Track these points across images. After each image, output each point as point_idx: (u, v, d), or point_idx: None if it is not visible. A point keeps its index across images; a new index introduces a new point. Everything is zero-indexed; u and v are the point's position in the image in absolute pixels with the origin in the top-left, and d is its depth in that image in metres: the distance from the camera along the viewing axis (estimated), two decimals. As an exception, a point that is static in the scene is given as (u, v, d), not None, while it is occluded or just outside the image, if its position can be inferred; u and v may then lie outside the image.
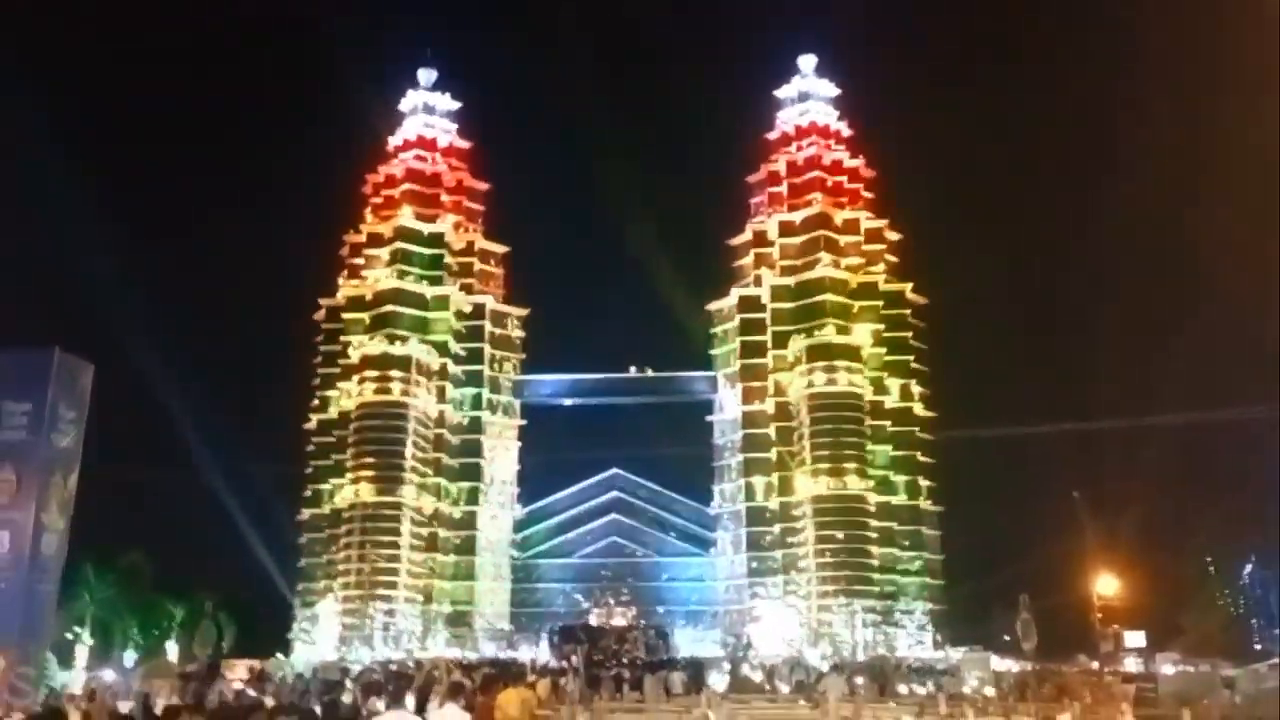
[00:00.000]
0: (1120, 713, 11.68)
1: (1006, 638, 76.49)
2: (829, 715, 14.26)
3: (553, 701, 18.52)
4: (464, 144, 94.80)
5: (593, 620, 79.70)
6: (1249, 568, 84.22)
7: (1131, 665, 64.64)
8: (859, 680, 46.29)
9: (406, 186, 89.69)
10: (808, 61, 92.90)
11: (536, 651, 73.97)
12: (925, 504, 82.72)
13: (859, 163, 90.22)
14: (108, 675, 57.58)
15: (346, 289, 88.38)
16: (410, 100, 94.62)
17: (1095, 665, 65.46)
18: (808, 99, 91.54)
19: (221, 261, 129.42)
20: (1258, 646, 70.90)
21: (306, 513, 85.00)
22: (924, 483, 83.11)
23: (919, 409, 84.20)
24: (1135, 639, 63.36)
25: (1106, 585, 62.13)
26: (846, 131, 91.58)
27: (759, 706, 18.21)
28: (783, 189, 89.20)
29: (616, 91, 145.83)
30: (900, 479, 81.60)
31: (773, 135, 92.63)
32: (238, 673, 49.04)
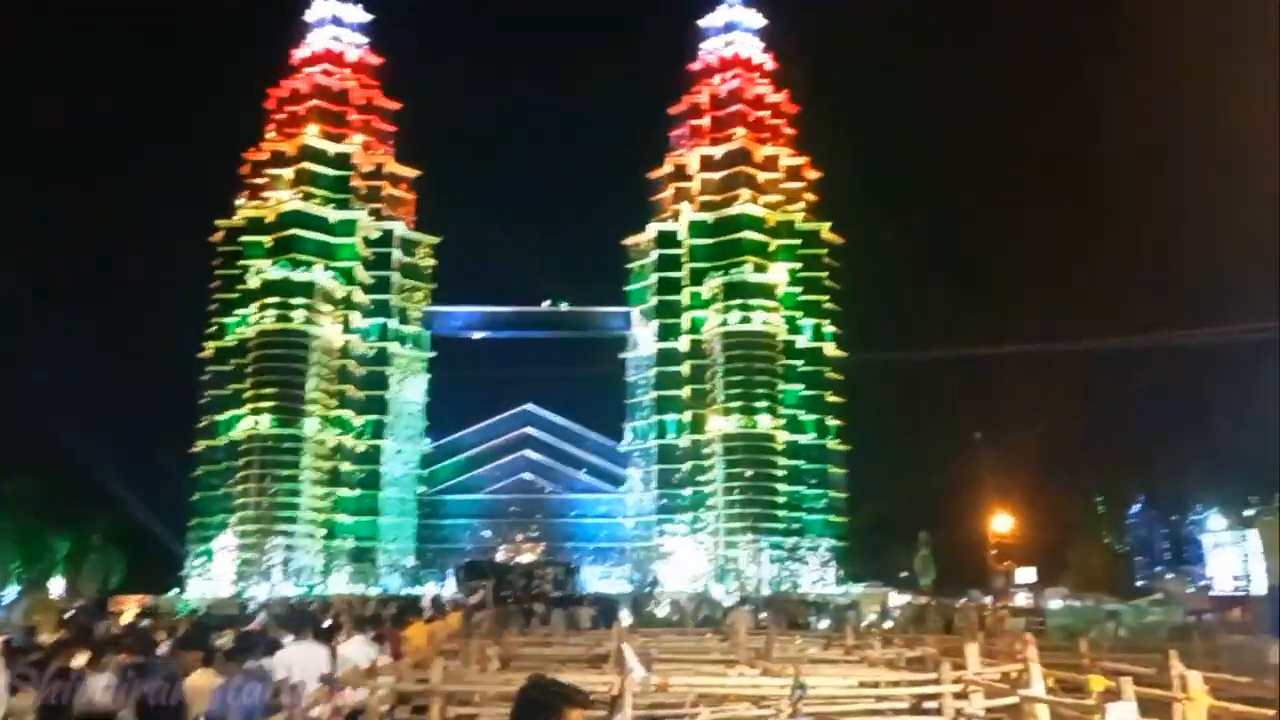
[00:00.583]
0: (1023, 643, 11.10)
1: (904, 574, 78.91)
2: (740, 647, 13.48)
3: (461, 635, 17.74)
4: (374, 60, 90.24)
5: (500, 556, 79.01)
6: (1137, 508, 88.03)
7: (1022, 600, 66.98)
8: (764, 615, 46.55)
9: (312, 103, 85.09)
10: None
11: (441, 588, 73.02)
12: (833, 443, 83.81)
13: (781, 97, 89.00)
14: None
15: (246, 210, 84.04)
16: (317, 10, 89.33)
17: (988, 600, 67.73)
18: (733, 29, 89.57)
19: (113, 177, 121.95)
20: (1140, 583, 74.31)
21: (201, 444, 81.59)
22: (832, 422, 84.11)
23: (830, 348, 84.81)
24: (1026, 575, 65.47)
25: (1002, 523, 64.14)
26: (770, 65, 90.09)
27: (669, 639, 17.63)
28: (704, 122, 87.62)
29: (537, 10, 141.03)
30: (809, 418, 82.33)
31: (696, 66, 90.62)
32: (128, 609, 46.85)
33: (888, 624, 49.13)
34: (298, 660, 9.47)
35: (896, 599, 71.18)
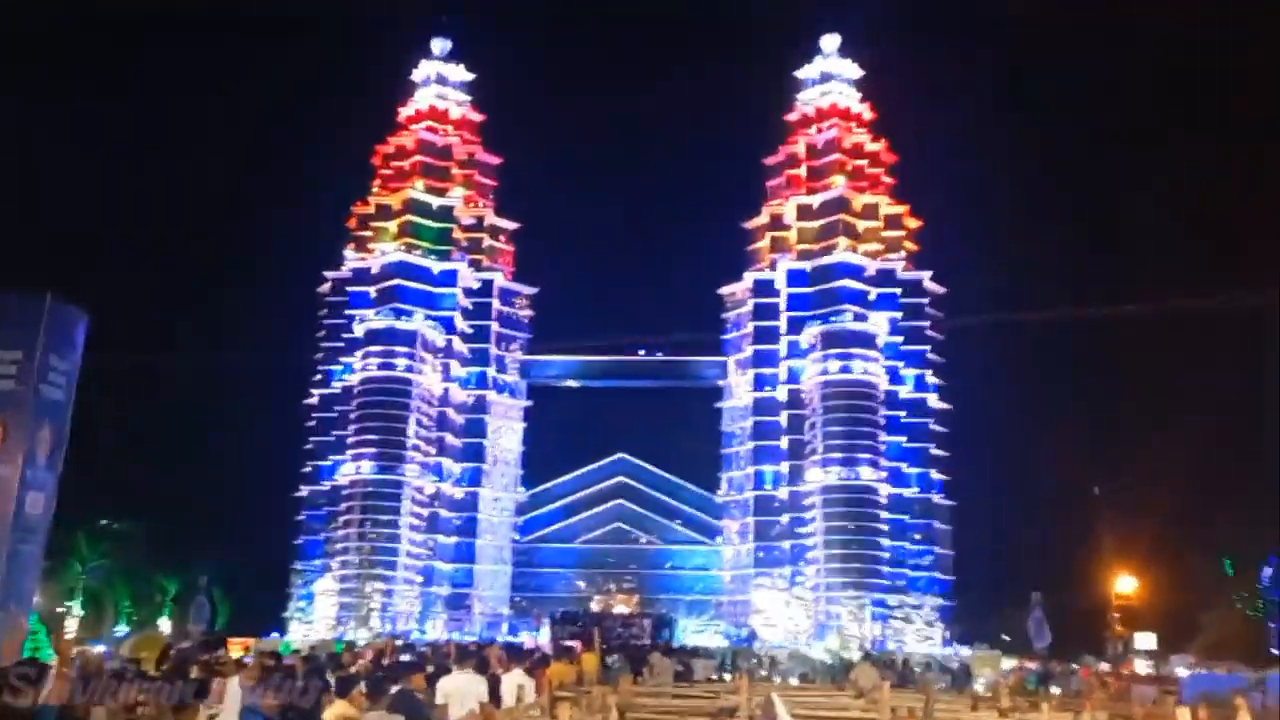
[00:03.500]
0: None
1: (1005, 636, 75.28)
2: (883, 705, 12.55)
3: (577, 682, 17.26)
4: (477, 117, 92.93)
5: (594, 606, 78.30)
6: (1269, 570, 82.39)
7: (1142, 667, 63.10)
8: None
9: (417, 158, 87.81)
10: (831, 41, 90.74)
11: (536, 636, 72.50)
12: (937, 497, 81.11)
13: (880, 146, 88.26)
14: (98, 649, 55.90)
15: (353, 261, 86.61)
16: (423, 70, 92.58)
17: (1104, 666, 63.91)
18: (829, 80, 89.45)
19: (225, 230, 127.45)
20: (1275, 651, 69.21)
21: (306, 489, 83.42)
22: (936, 475, 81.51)
23: (933, 400, 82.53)
24: (1145, 640, 61.70)
25: (1125, 584, 60.64)
26: (868, 114, 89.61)
27: (794, 693, 16.67)
28: (801, 171, 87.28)
29: (633, 67, 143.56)
30: (913, 471, 79.99)
31: (792, 116, 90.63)
32: (233, 650, 47.46)
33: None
34: (459, 687, 10.46)
35: (1008, 663, 67.94)
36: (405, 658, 19.15)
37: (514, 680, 12.86)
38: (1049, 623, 68.00)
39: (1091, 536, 63.96)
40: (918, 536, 79.06)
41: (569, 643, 43.66)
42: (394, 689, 9.04)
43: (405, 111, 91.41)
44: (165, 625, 71.77)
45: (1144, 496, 67.28)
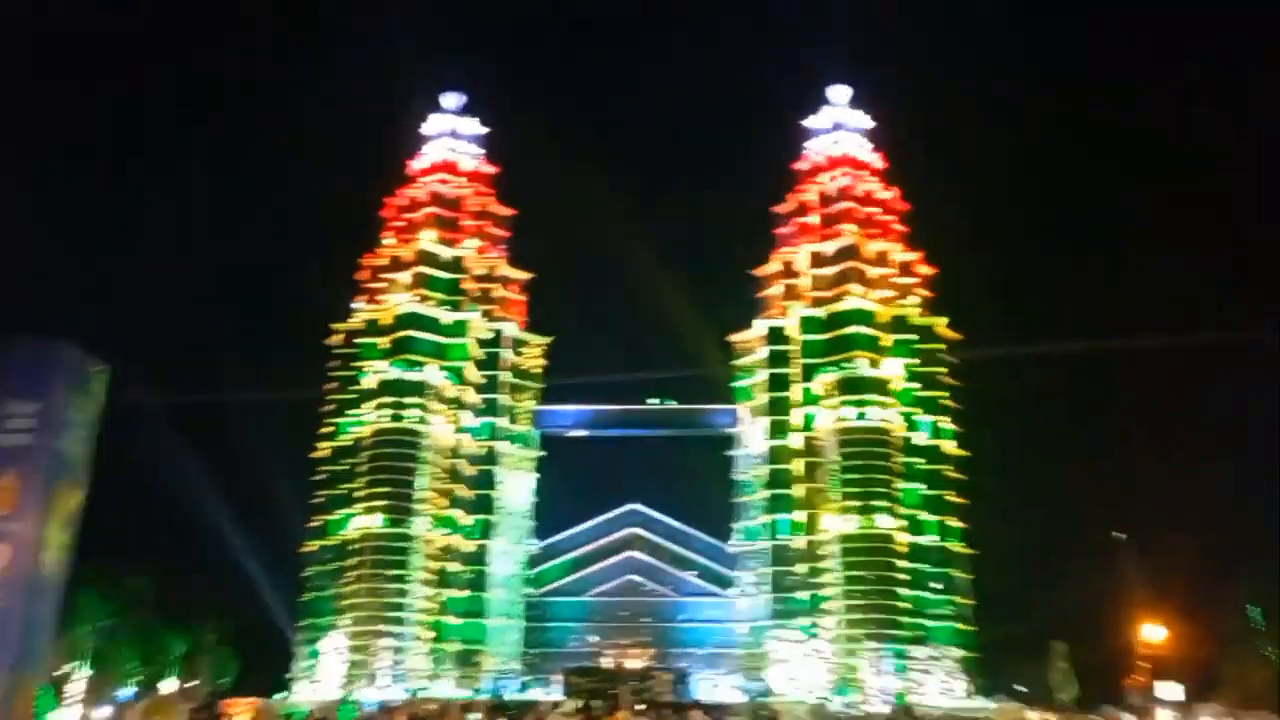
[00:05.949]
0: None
1: (1020, 688, 73.49)
2: None
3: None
4: (489, 169, 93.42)
5: (606, 661, 76.77)
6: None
7: (1166, 718, 61.42)
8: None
9: (429, 210, 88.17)
10: (841, 93, 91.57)
11: (548, 692, 71.03)
12: (956, 545, 79.71)
13: (892, 194, 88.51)
14: (104, 712, 54.54)
15: (364, 313, 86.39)
16: (434, 124, 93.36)
17: (1127, 717, 62.23)
18: (839, 129, 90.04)
19: (234, 281, 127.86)
20: (1306, 702, 67.28)
21: (314, 544, 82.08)
22: (954, 523, 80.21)
23: (950, 446, 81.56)
24: (1170, 690, 59.97)
25: (1153, 633, 59.08)
26: (879, 163, 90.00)
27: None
28: (813, 219, 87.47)
29: (641, 119, 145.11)
30: (931, 519, 78.74)
31: (803, 165, 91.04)
32: (239, 711, 46.41)
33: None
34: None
35: (1032, 715, 66.24)
36: (474, 716, 18.58)
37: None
38: (1072, 674, 66.42)
39: (1113, 584, 62.56)
40: (937, 585, 77.51)
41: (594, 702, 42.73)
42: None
43: (417, 164, 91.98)
44: (171, 684, 70.43)
45: (1168, 543, 65.90)
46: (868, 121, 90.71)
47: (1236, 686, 69.31)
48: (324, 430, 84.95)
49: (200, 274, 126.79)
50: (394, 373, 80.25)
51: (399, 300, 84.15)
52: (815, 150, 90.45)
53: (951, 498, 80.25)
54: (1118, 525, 65.41)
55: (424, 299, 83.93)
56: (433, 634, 77.54)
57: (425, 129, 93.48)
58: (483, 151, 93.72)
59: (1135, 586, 60.91)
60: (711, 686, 75.67)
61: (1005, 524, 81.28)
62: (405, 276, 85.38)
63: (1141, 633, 58.87)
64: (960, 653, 76.64)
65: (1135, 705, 61.01)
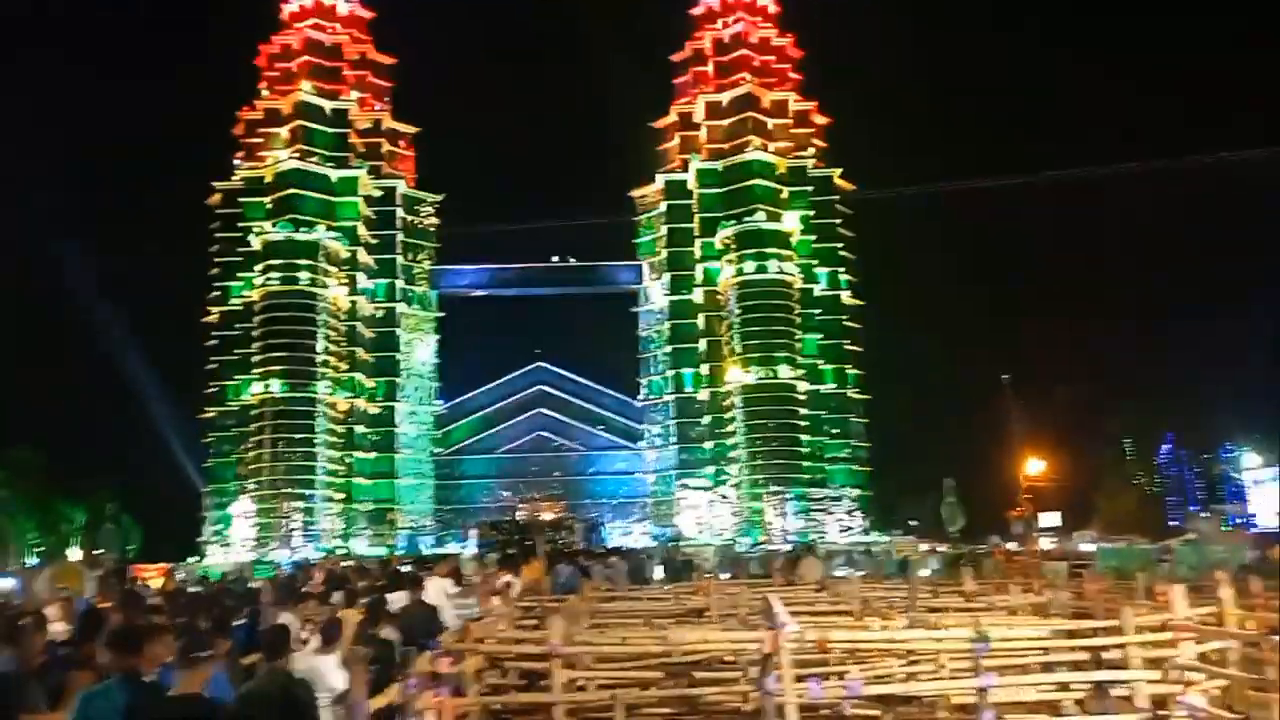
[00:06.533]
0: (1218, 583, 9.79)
1: (913, 521, 78.14)
2: (851, 598, 12.19)
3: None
4: (365, 13, 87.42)
5: (520, 515, 78.16)
6: (1166, 448, 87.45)
7: (1047, 545, 66.09)
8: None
9: (305, 58, 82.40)
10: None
11: (463, 547, 72.17)
12: (853, 392, 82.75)
13: (787, 41, 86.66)
14: (8, 582, 53.21)
15: (244, 171, 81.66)
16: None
17: (1011, 545, 66.82)
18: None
19: (106, 136, 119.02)
20: (1173, 523, 73.72)
21: (212, 410, 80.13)
22: (851, 371, 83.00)
23: (847, 296, 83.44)
24: (1050, 519, 64.56)
25: (1034, 467, 62.95)
26: (773, 8, 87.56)
27: (746, 587, 16.47)
28: (709, 68, 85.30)
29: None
30: (829, 367, 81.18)
31: (697, 10, 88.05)
32: (152, 577, 45.68)
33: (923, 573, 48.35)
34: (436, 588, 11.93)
35: (924, 547, 70.51)
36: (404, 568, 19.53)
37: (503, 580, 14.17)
38: (961, 507, 70.57)
39: (999, 425, 66.00)
40: (835, 431, 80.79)
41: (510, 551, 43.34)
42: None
43: (289, 7, 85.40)
44: (75, 554, 69.15)
45: (1049, 385, 69.74)
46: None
47: (1108, 513, 75.24)
48: (213, 295, 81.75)
49: (74, 134, 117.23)
50: (281, 234, 76.63)
51: (280, 157, 79.58)
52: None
53: (849, 346, 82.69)
54: (1006, 369, 68.82)
55: (306, 155, 79.45)
56: (343, 496, 77.48)
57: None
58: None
59: (1019, 426, 64.54)
60: (623, 535, 78.10)
61: (900, 370, 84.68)
62: (285, 132, 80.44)
63: (1024, 468, 62.59)
64: (858, 493, 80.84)
65: (1018, 534, 65.30)
